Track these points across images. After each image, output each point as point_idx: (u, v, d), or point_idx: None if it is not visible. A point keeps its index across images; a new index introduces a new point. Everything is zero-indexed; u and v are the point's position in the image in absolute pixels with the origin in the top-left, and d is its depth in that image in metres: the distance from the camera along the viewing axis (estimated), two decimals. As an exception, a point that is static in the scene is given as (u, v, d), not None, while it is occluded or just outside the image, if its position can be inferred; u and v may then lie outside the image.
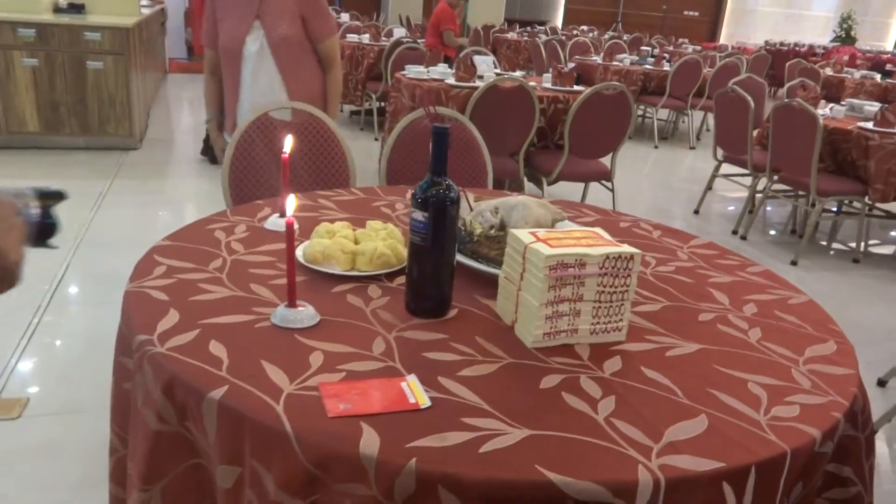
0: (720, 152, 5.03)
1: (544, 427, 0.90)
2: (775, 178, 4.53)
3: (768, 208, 5.49)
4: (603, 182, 4.15)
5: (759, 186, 4.82)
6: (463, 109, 3.95)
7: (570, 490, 0.80)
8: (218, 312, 1.13)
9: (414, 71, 4.33)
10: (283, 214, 1.57)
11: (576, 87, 4.34)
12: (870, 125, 4.27)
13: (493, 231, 1.44)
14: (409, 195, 1.89)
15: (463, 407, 0.93)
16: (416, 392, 0.94)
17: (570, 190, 4.90)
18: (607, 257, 1.10)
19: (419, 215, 1.12)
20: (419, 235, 1.13)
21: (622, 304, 1.14)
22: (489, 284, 1.30)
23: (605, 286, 1.12)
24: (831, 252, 4.65)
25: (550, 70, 4.37)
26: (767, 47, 12.49)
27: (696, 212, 5.13)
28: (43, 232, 0.82)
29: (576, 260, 1.08)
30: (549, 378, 1.02)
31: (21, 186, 0.82)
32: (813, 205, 4.25)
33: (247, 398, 0.90)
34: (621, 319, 1.15)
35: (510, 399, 0.96)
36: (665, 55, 7.89)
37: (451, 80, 4.15)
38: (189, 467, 0.99)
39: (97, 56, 5.03)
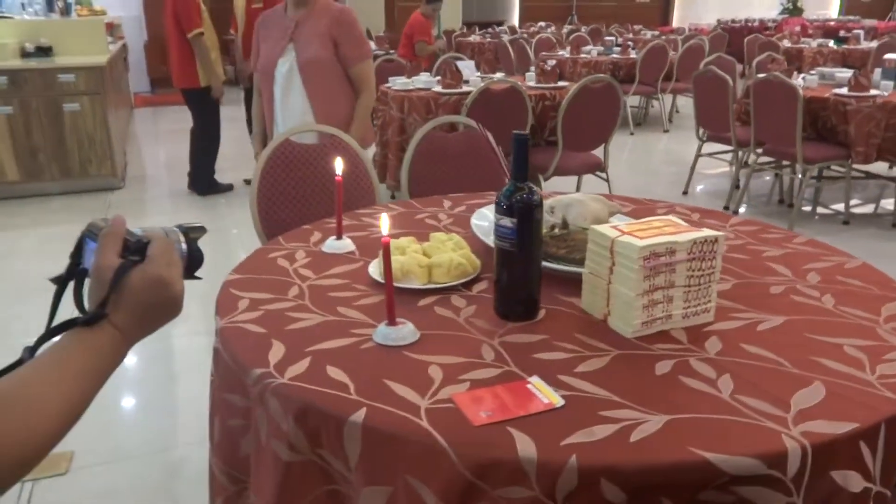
0: (702, 132, 5.13)
1: (680, 411, 0.93)
2: (759, 151, 4.64)
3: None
4: (597, 173, 4.21)
5: (744, 161, 4.93)
6: (453, 114, 3.99)
7: (726, 466, 0.83)
8: (319, 339, 1.15)
9: (399, 83, 4.36)
10: (339, 237, 1.59)
11: (560, 83, 4.41)
12: (844, 91, 4.40)
13: (556, 230, 1.47)
14: (447, 205, 1.92)
15: (595, 401, 0.95)
16: (546, 392, 0.97)
17: (563, 184, 4.96)
18: (694, 242, 1.14)
19: (507, 221, 1.15)
20: (507, 241, 1.16)
21: (709, 286, 1.18)
22: (566, 283, 1.32)
23: (693, 270, 1.15)
24: (816, 217, 4.78)
25: (533, 69, 4.42)
26: (722, 26, 12.75)
27: (685, 192, 5.22)
28: (192, 264, 0.84)
29: (666, 248, 1.12)
30: (661, 364, 1.05)
31: (164, 225, 0.84)
32: (802, 174, 4.36)
33: (389, 417, 0.92)
34: (710, 300, 1.19)
35: (635, 388, 0.99)
36: (629, 43, 8.02)
37: (439, 88, 4.18)
38: (323, 494, 1.00)
39: (73, 97, 4.97)
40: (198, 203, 5.01)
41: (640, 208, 1.88)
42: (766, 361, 1.06)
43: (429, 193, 2.38)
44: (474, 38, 10.32)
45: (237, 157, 6.07)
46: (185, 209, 4.87)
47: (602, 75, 3.91)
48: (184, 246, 0.83)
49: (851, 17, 15.24)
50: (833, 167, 4.80)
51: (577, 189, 4.67)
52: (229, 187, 5.23)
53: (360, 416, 0.92)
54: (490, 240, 1.50)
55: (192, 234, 0.84)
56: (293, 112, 2.67)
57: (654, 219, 1.24)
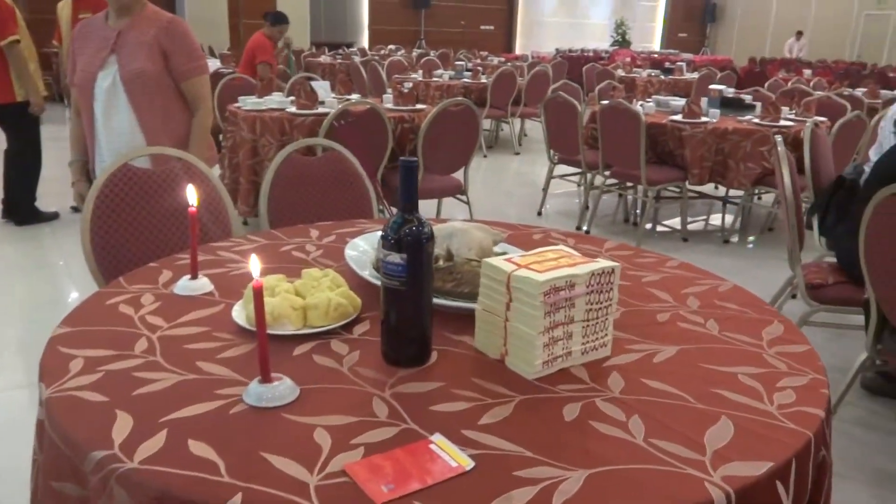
0: (554, 155, 5.30)
1: (598, 462, 0.85)
2: (607, 173, 4.86)
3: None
4: (458, 196, 4.20)
5: (591, 182, 5.15)
6: (309, 136, 3.81)
7: (657, 526, 0.76)
8: (176, 405, 0.96)
9: (250, 102, 4.11)
10: (194, 276, 1.39)
11: (418, 106, 4.36)
12: (679, 117, 4.72)
13: (441, 262, 1.37)
14: (314, 234, 1.76)
15: (507, 459, 0.85)
16: (451, 453, 0.86)
17: (423, 208, 4.90)
18: (592, 274, 1.08)
19: (395, 258, 1.03)
20: (396, 279, 1.04)
21: (606, 319, 1.13)
22: (455, 319, 1.23)
23: (592, 304, 1.10)
24: (656, 235, 5.08)
25: (389, 91, 4.35)
26: (560, 54, 13.48)
27: (539, 213, 5.37)
28: None
29: (566, 282, 1.05)
30: (568, 409, 0.98)
31: None
32: (646, 194, 4.61)
33: (272, 502, 0.76)
34: (606, 334, 1.14)
35: (546, 439, 0.90)
36: (479, 68, 8.22)
37: (293, 109, 3.99)
38: None
39: None
40: (16, 234, 4.43)
41: (517, 234, 1.83)
42: (670, 397, 1.02)
43: (290, 221, 2.21)
44: (325, 58, 10.15)
45: (63, 181, 5.46)
46: (1, 242, 4.28)
47: (461, 98, 3.91)
48: None
49: (672, 51, 16.74)
50: (669, 188, 5.14)
51: (438, 213, 4.64)
52: (54, 216, 4.68)
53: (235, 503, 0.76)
54: (366, 274, 1.38)
55: None
56: (118, 133, 2.35)
57: (544, 249, 1.18)
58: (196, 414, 0.94)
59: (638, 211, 5.31)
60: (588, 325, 1.10)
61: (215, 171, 2.19)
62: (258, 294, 0.94)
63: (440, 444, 0.88)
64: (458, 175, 4.19)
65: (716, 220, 5.45)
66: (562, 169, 5.41)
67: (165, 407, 0.95)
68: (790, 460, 0.88)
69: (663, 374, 1.09)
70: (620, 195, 5.68)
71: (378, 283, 1.31)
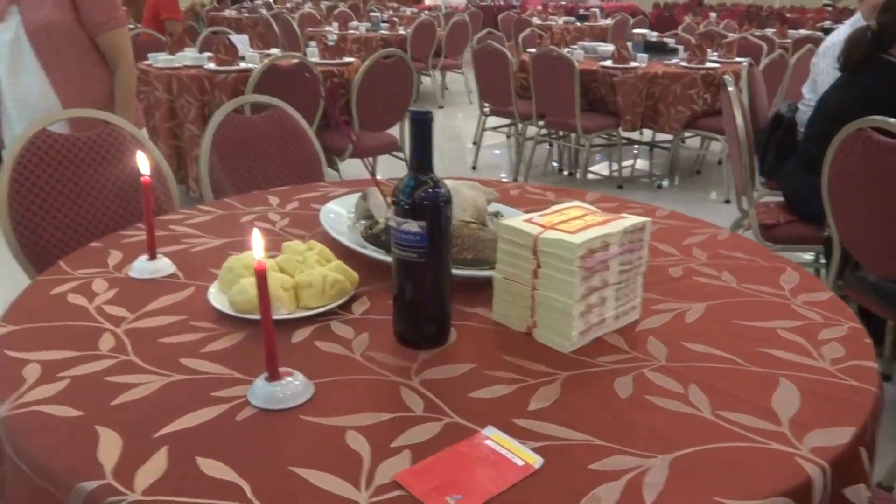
0: (486, 107, 5.18)
1: (675, 446, 0.76)
2: (540, 123, 4.79)
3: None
4: (394, 153, 4.03)
5: (523, 134, 5.07)
6: (233, 95, 3.54)
7: (762, 513, 0.68)
8: (169, 414, 0.80)
9: (161, 59, 3.76)
10: (152, 256, 1.20)
11: (346, 59, 4.12)
12: (609, 63, 4.67)
13: (437, 226, 1.23)
14: (274, 201, 1.59)
15: (575, 450, 0.75)
16: (513, 450, 0.74)
17: (359, 166, 4.70)
18: (625, 232, 0.98)
19: (412, 226, 0.89)
20: (414, 251, 0.91)
21: (636, 280, 1.04)
22: (463, 289, 1.11)
23: (624, 265, 1.00)
24: (589, 183, 5.08)
25: (314, 44, 4.08)
26: (472, 4, 13.23)
27: (474, 167, 5.26)
28: None
29: (601, 243, 0.95)
30: (620, 383, 0.88)
31: None
32: (582, 144, 4.57)
33: (323, 531, 0.63)
34: (636, 297, 1.05)
35: (608, 422, 0.80)
36: (395, 19, 7.93)
37: (212, 66, 3.67)
38: None
39: None
40: None
41: (497, 190, 1.71)
42: (720, 361, 0.94)
43: (235, 189, 2.01)
44: (229, 12, 9.55)
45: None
46: None
47: (393, 49, 3.71)
48: None
49: (580, -2, 16.75)
50: (600, 135, 5.14)
51: (373, 172, 4.45)
52: None
53: (279, 538, 0.63)
54: (344, 239, 1.23)
55: None
56: (27, 94, 2.06)
57: (563, 206, 1.06)
58: (197, 424, 0.79)
59: (571, 159, 5.29)
60: (620, 289, 1.01)
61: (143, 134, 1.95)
62: (261, 277, 0.79)
63: (497, 439, 0.76)
64: (393, 131, 4.01)
65: (641, 165, 5.50)
66: (491, 121, 5.31)
67: (156, 418, 0.79)
68: (866, 422, 0.82)
69: (702, 335, 1.01)
70: (551, 145, 5.65)
71: (365, 252, 1.18)
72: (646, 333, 1.02)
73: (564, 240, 0.92)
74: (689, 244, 1.38)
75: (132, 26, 5.49)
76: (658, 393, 0.86)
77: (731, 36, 6.40)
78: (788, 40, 6.72)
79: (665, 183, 5.02)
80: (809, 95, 2.95)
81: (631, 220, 1.00)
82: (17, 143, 1.63)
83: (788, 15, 11.92)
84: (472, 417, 0.81)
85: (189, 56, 3.90)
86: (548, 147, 5.72)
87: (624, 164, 5.48)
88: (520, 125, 5.02)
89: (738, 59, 4.94)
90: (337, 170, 3.83)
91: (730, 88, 2.62)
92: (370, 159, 1.29)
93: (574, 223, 0.98)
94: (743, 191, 2.68)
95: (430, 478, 0.70)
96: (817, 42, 5.49)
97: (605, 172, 5.28)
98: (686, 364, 0.93)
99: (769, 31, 7.20)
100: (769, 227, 2.61)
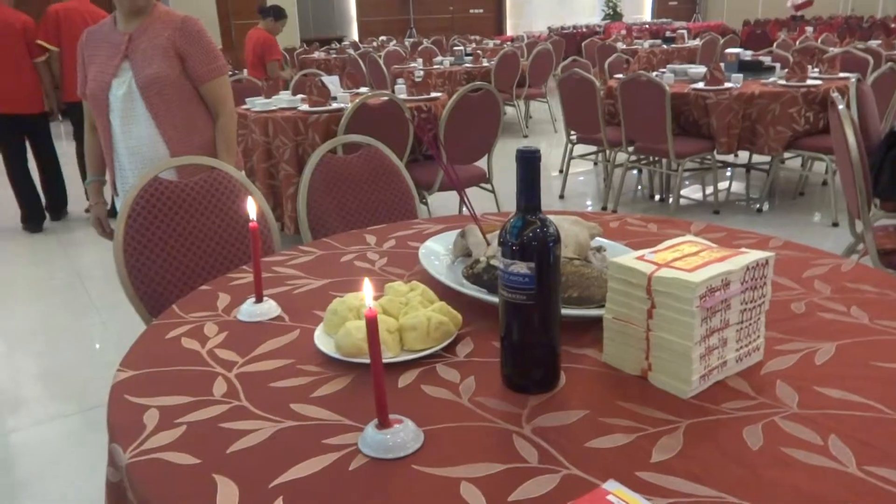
0: (572, 135, 5.13)
1: (818, 503, 0.69)
2: (630, 149, 4.69)
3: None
4: (482, 185, 4.03)
5: (612, 160, 4.98)
6: (327, 135, 3.65)
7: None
8: (282, 463, 0.80)
9: (258, 104, 3.93)
10: (259, 299, 1.23)
11: (434, 94, 4.18)
12: (701, 85, 4.54)
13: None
14: (371, 240, 1.60)
15: (707, 507, 0.70)
16: (639, 505, 0.70)
17: (447, 200, 4.74)
18: (748, 269, 0.92)
19: (521, 267, 0.87)
20: (523, 293, 0.88)
21: (759, 319, 0.97)
22: (570, 329, 1.07)
23: (746, 303, 0.94)
24: (683, 209, 4.91)
25: (401, 81, 4.17)
26: (555, 33, 13.25)
27: (562, 196, 5.20)
28: None
29: (721, 281, 0.89)
30: (748, 433, 0.82)
31: None
32: (674, 168, 4.44)
33: None
34: (759, 336, 0.98)
35: (739, 476, 0.74)
36: (479, 52, 8.02)
37: (305, 107, 3.81)
38: None
39: None
40: (33, 245, 4.26)
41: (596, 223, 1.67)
42: (860, 408, 0.86)
43: (332, 227, 2.05)
44: (318, 54, 9.93)
45: (74, 201, 5.30)
46: (12, 258, 4.11)
47: (481, 83, 3.74)
48: None
49: (665, 20, 16.49)
50: (693, 159, 4.98)
51: (472, 208, 4.47)
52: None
53: None
54: (444, 278, 1.22)
55: None
56: (139, 144, 2.18)
57: (676, 241, 1.01)
58: (310, 473, 0.78)
59: (662, 185, 5.14)
60: (742, 329, 0.94)
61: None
62: (373, 324, 0.78)
63: (620, 494, 0.72)
64: (481, 164, 4.02)
65: (737, 188, 5.28)
66: (577, 149, 5.24)
67: (270, 466, 0.80)
68: None
69: (836, 379, 0.93)
70: (640, 171, 5.52)
71: (467, 292, 1.16)
72: (772, 376, 0.94)
73: (682, 278, 0.87)
74: (811, 276, 1.29)
75: (231, 73, 5.80)
76: (793, 444, 0.80)
77: (833, 50, 6.10)
78: None
79: (765, 206, 4.79)
80: None
81: (752, 255, 0.94)
82: (131, 192, 1.72)
83: (893, 25, 11.29)
84: (591, 469, 0.77)
85: (284, 99, 4.06)
86: (636, 173, 5.60)
87: (719, 187, 5.28)
88: (608, 152, 4.93)
89: (842, 75, 4.70)
90: (426, 204, 3.86)
91: (840, 107, 2.48)
92: (467, 197, 1.29)
93: (690, 260, 0.93)
94: (857, 214, 2.51)
95: (551, 537, 0.66)
96: (929, 52, 5.16)
97: (698, 196, 5.10)
98: (822, 412, 0.86)
99: (874, 44, 6.82)
100: (889, 252, 2.44)
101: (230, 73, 5.77)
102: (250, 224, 1.18)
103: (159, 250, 1.74)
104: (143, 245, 1.72)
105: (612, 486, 0.73)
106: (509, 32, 16.49)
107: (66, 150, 5.53)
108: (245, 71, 6.34)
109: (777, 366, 0.97)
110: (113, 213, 2.23)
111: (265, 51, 5.67)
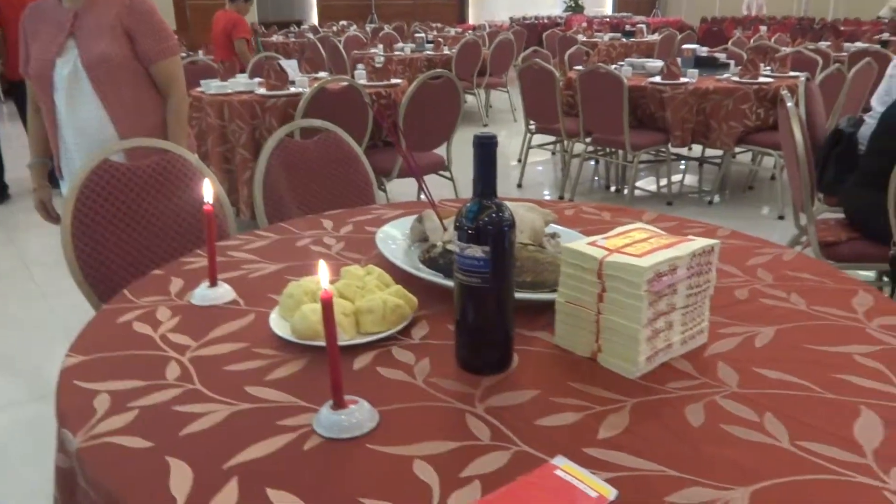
0: (531, 124, 5.17)
1: (755, 478, 0.73)
2: (588, 140, 4.75)
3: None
4: (440, 173, 4.04)
5: (570, 151, 5.04)
6: (284, 120, 3.61)
7: (854, 553, 0.64)
8: (236, 444, 0.81)
9: (214, 86, 3.86)
10: (213, 283, 1.22)
11: (394, 81, 4.17)
12: (658, 79, 4.62)
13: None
14: (328, 225, 1.60)
15: (650, 482, 0.73)
16: (586, 481, 0.72)
17: (405, 186, 4.73)
18: (694, 255, 0.95)
19: (476, 251, 0.89)
20: (477, 276, 0.90)
21: (704, 303, 1.01)
22: (522, 312, 1.09)
23: (692, 288, 0.97)
24: (637, 200, 5.00)
25: (361, 66, 4.15)
26: (516, 23, 13.28)
27: (519, 185, 5.24)
28: None
29: (669, 266, 0.92)
30: (691, 411, 0.86)
31: None
32: (630, 160, 4.52)
33: (396, 566, 0.62)
34: (703, 320, 1.02)
35: (682, 452, 0.78)
36: (440, 39, 8.00)
37: (262, 91, 3.76)
38: None
39: None
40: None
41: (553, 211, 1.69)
42: (795, 388, 0.90)
43: (289, 212, 2.04)
44: (277, 38, 9.78)
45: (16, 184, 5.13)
46: (-47, 250, 3.97)
47: (442, 70, 3.74)
48: None
49: (625, 14, 16.68)
50: (648, 151, 5.07)
51: (430, 195, 4.47)
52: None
53: (352, 572, 0.62)
54: (401, 262, 1.23)
55: None
56: (85, 126, 2.11)
57: (626, 228, 1.04)
58: (265, 454, 0.79)
59: (618, 176, 5.23)
60: (687, 312, 0.98)
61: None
62: (328, 308, 0.79)
63: (568, 469, 0.74)
64: (440, 151, 4.03)
65: (690, 181, 5.41)
66: (536, 139, 5.29)
67: (224, 448, 0.80)
68: (959, 453, 0.77)
69: (773, 361, 0.97)
70: (597, 162, 5.61)
71: (423, 276, 1.18)
72: (715, 358, 0.98)
73: (631, 263, 0.90)
74: (754, 265, 1.34)
75: (185, 54, 5.67)
76: (732, 421, 0.83)
77: (785, 50, 6.26)
78: (844, 54, 6.55)
79: (716, 199, 4.91)
80: (880, 108, 2.84)
81: (699, 242, 0.97)
82: (79, 174, 1.68)
83: (843, 28, 11.62)
84: (541, 446, 0.79)
85: (241, 82, 3.99)
86: (593, 164, 5.68)
87: (673, 180, 5.39)
88: (566, 142, 4.99)
89: (792, 74, 4.84)
90: (384, 190, 3.86)
91: (788, 104, 2.56)
92: (425, 183, 1.30)
93: (640, 246, 0.96)
94: (801, 207, 2.60)
95: (501, 511, 0.68)
96: (875, 55, 5.34)
97: (653, 188, 5.21)
98: (759, 391, 0.90)
99: (824, 45, 7.03)
100: (829, 244, 2.53)
101: (183, 54, 5.65)
102: (205, 207, 1.17)
103: (109, 234, 1.70)
104: (92, 229, 1.68)
105: (560, 462, 0.76)
106: (471, 21, 16.49)
107: (8, 132, 5.36)
108: (200, 52, 6.21)
109: (720, 348, 1.01)
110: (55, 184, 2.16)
111: (234, 28, 5.54)
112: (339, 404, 0.83)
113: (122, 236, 1.72)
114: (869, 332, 1.06)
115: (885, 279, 2.66)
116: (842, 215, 2.66)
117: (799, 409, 0.85)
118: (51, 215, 2.19)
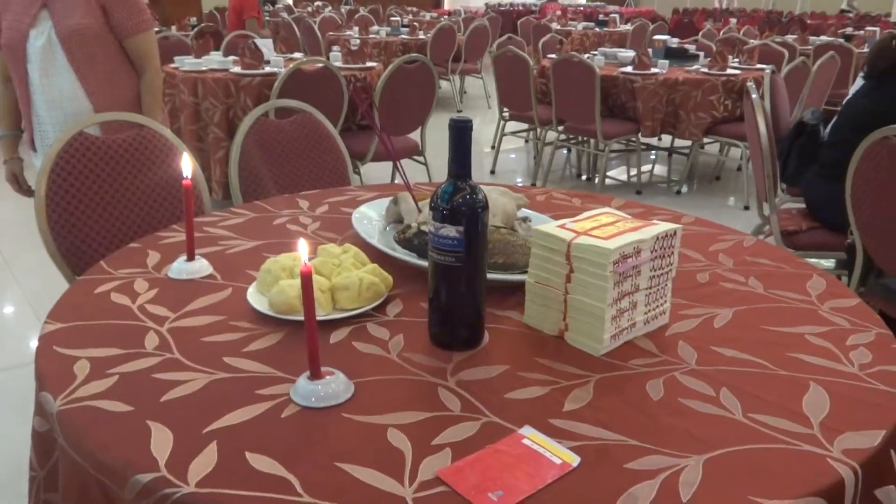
0: (505, 111, 5.20)
1: (709, 447, 0.78)
2: (560, 128, 4.80)
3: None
4: (415, 157, 4.06)
5: (542, 139, 5.09)
6: (259, 100, 3.59)
7: (796, 513, 0.69)
8: (216, 411, 0.83)
9: (187, 63, 3.82)
10: (191, 257, 1.24)
11: (369, 64, 4.16)
12: (630, 69, 4.68)
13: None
14: (304, 205, 1.62)
15: (610, 450, 0.77)
16: (551, 449, 0.77)
17: (380, 170, 4.73)
18: (657, 238, 1.00)
19: (450, 230, 0.92)
20: (451, 255, 0.93)
21: (666, 285, 1.06)
22: (495, 292, 1.13)
23: (655, 270, 1.02)
24: (607, 188, 5.08)
25: (336, 48, 4.13)
26: (492, 9, 13.27)
27: (492, 171, 5.28)
28: None
29: (634, 248, 0.97)
30: (651, 386, 0.90)
31: None
32: (601, 149, 4.58)
33: (371, 523, 0.66)
34: (666, 301, 1.07)
35: (642, 423, 0.82)
36: (415, 24, 7.97)
37: (237, 69, 3.73)
38: None
39: None
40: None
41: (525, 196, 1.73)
42: (749, 365, 0.96)
43: (263, 192, 2.05)
44: (250, 16, 9.63)
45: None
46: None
47: (417, 55, 3.75)
48: None
49: (598, 3, 16.75)
50: (619, 140, 5.15)
51: (392, 177, 4.48)
52: None
53: (329, 529, 0.65)
54: (376, 242, 1.26)
55: None
56: (59, 98, 2.10)
57: (595, 213, 1.09)
58: (243, 420, 0.82)
59: (590, 165, 5.30)
60: (650, 293, 1.03)
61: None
62: (307, 281, 0.82)
63: (534, 438, 0.78)
64: (414, 136, 4.04)
65: (659, 170, 5.50)
66: (509, 126, 5.33)
67: (204, 414, 0.83)
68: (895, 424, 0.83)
69: (731, 341, 1.02)
70: (569, 150, 5.67)
71: (398, 255, 1.21)
72: (675, 338, 1.03)
73: (598, 245, 0.94)
74: (716, 250, 1.39)
75: (158, 29, 5.58)
76: (689, 395, 0.88)
77: (752, 42, 6.38)
78: (809, 47, 6.70)
79: (684, 188, 5.01)
80: None
81: (662, 226, 1.02)
82: (55, 145, 1.67)
83: (809, 21, 11.85)
84: (509, 417, 0.83)
85: (215, 60, 3.96)
86: (566, 152, 5.74)
87: (642, 169, 5.48)
88: (539, 130, 5.04)
89: (759, 66, 4.94)
90: (359, 173, 3.87)
91: (753, 96, 2.63)
92: (401, 165, 1.32)
93: (606, 229, 1.00)
94: (765, 197, 2.68)
95: (471, 475, 0.72)
96: (839, 49, 5.48)
97: (623, 178, 5.29)
98: (716, 368, 0.95)
99: (790, 38, 7.17)
100: (791, 233, 2.62)
101: (156, 28, 5.56)
102: (184, 181, 1.18)
103: (84, 207, 1.70)
104: (66, 201, 1.68)
105: (527, 431, 0.80)
106: (447, 6, 16.42)
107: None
108: (174, 28, 6.12)
109: (680, 328, 1.06)
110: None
111: (245, 6, 5.52)
112: (315, 375, 0.86)
113: (97, 210, 1.72)
114: (821, 313, 1.12)
115: (844, 267, 2.76)
116: (803, 205, 2.75)
117: (752, 385, 0.91)
118: (22, 188, 2.16)
